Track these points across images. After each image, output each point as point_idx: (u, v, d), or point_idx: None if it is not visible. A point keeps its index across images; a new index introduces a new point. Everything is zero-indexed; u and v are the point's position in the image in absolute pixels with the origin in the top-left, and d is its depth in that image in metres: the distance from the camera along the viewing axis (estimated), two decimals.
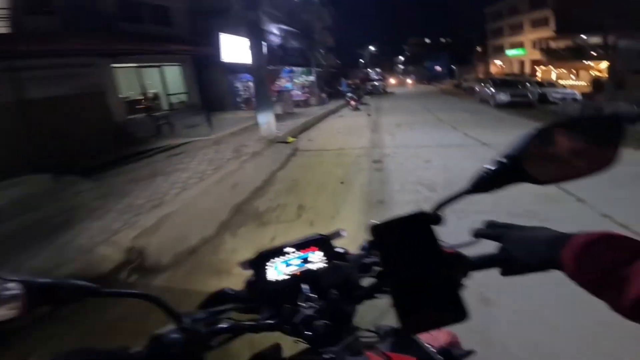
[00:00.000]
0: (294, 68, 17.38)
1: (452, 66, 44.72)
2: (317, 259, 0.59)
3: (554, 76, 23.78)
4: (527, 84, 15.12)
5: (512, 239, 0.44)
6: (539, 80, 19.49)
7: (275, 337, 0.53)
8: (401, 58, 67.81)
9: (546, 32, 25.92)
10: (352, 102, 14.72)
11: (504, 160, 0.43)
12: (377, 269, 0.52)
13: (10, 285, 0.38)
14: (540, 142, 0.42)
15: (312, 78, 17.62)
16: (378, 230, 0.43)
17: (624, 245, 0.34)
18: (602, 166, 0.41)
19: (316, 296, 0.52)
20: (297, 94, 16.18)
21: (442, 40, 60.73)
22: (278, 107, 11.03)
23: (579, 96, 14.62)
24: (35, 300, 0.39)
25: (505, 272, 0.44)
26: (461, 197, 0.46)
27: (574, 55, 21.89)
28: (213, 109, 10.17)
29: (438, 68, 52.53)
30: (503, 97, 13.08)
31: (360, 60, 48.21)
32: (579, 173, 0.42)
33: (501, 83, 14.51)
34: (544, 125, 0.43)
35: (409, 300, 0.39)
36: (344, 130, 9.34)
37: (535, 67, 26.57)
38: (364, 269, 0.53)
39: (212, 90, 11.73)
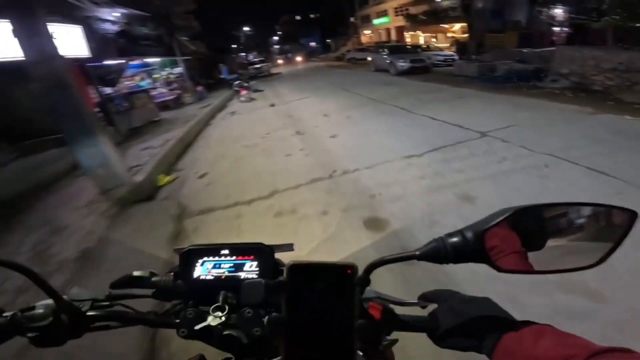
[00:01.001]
0: (150, 60, 12.69)
1: (327, 40, 45.40)
2: (249, 269, 0.55)
3: (422, 40, 25.53)
4: (418, 49, 15.00)
5: (448, 309, 0.43)
6: (416, 45, 20.28)
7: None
8: (275, 38, 66.37)
9: None
10: (243, 92, 11.46)
11: (466, 235, 0.39)
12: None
13: None
14: (513, 224, 0.37)
15: (179, 70, 13.34)
16: (294, 270, 0.40)
17: (565, 343, 0.33)
18: (586, 266, 0.36)
19: (226, 308, 0.49)
20: (162, 92, 11.85)
21: (312, 16, 61.25)
22: (126, 119, 7.08)
23: (456, 57, 15.37)
24: None
25: (432, 340, 0.43)
26: (404, 261, 0.42)
27: (433, 19, 23.60)
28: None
29: (313, 44, 53.62)
30: (404, 64, 12.37)
31: (234, 45, 44.14)
32: (550, 269, 0.37)
33: (396, 50, 13.83)
34: (523, 206, 0.38)
35: (298, 345, 0.39)
36: (251, 137, 6.11)
37: (404, 33, 28.15)
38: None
39: None
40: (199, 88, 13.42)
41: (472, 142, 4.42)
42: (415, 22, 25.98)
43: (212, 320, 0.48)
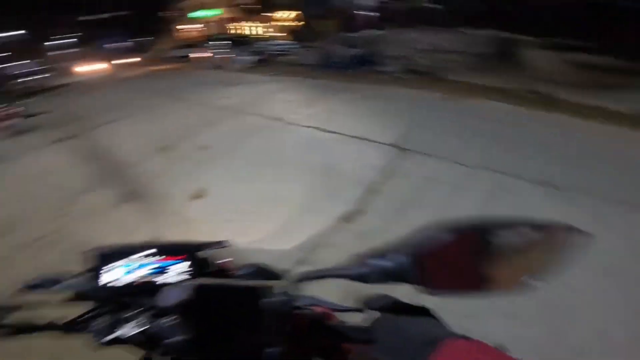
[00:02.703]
0: None
1: (143, 38, 37.98)
2: (178, 271, 0.51)
3: (247, 31, 24.42)
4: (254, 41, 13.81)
5: (389, 323, 0.42)
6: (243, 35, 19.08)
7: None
8: (73, 40, 51.20)
9: None
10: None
11: (396, 256, 0.36)
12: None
13: None
14: (443, 245, 0.35)
15: None
16: (203, 292, 0.37)
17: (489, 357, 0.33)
18: (506, 289, 0.35)
19: (145, 314, 0.47)
20: None
21: (119, 13, 50.02)
22: None
23: (296, 46, 15.10)
24: None
25: (369, 352, 0.42)
26: (326, 279, 0.39)
27: (265, 9, 23.00)
28: None
29: (122, 44, 44.17)
30: (249, 57, 10.91)
31: None
32: (476, 289, 0.35)
33: (237, 44, 12.18)
34: (459, 225, 0.34)
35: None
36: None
37: (229, 25, 26.39)
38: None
39: None
40: None
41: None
42: (248, 13, 24.59)
43: (126, 330, 0.46)
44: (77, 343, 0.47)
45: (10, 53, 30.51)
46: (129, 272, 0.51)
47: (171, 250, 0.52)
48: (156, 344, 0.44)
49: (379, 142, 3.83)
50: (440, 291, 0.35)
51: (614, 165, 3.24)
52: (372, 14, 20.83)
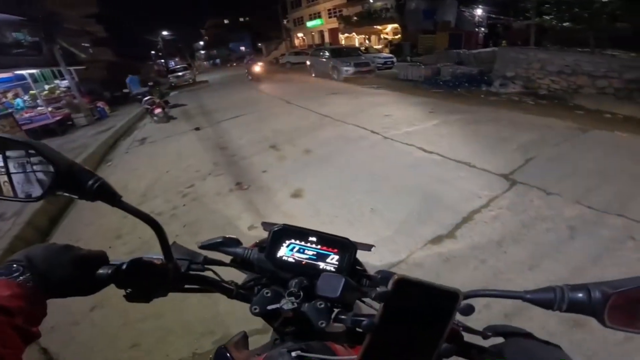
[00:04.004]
0: (25, 72, 9.54)
1: (259, 44, 43.24)
2: (329, 262, 0.56)
3: (357, 43, 25.18)
4: (359, 52, 14.17)
5: (516, 348, 0.43)
6: (353, 47, 19.64)
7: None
8: (201, 43, 61.92)
9: (339, 0, 27.01)
10: (157, 110, 8.48)
11: (593, 294, 0.40)
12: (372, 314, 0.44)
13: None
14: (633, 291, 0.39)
15: (66, 83, 10.38)
16: (401, 285, 0.39)
17: None
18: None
19: (301, 294, 0.50)
20: (41, 114, 8.90)
21: (242, 19, 58.25)
22: None
23: (395, 59, 14.99)
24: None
25: None
26: (508, 298, 0.45)
27: (367, 21, 23.41)
28: None
29: (242, 48, 51.54)
30: (349, 67, 11.29)
31: (153, 51, 39.43)
32: None
33: (338, 53, 12.72)
34: None
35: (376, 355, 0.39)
36: (165, 192, 3.99)
37: (340, 35, 27.64)
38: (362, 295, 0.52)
39: None
40: (99, 105, 10.62)
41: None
42: (348, 23, 25.62)
43: (285, 304, 0.49)
44: (233, 307, 0.54)
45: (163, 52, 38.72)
46: (298, 252, 0.56)
47: (329, 242, 0.56)
48: (307, 323, 0.48)
49: (486, 170, 3.51)
50: (615, 326, 0.39)
51: None
52: (483, 30, 19.12)
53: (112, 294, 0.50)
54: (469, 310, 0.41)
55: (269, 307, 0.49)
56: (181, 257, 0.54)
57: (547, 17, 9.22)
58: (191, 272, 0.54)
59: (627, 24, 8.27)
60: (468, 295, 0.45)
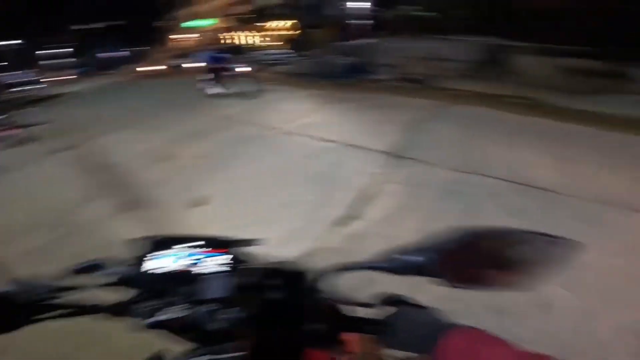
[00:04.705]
0: None
1: (137, 49, 38.21)
2: (217, 263, 0.52)
3: (243, 40, 24.65)
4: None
5: (398, 316, 0.45)
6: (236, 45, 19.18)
7: None
8: (67, 50, 51.54)
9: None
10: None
11: (425, 253, 0.42)
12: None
13: None
14: (463, 243, 0.41)
15: None
16: (258, 274, 0.39)
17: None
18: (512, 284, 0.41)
19: (190, 300, 0.48)
20: None
21: (115, 23, 50.33)
22: None
23: (292, 55, 15.27)
24: None
25: (382, 342, 0.45)
26: (361, 271, 0.44)
27: (261, 18, 23.16)
28: None
29: (119, 54, 44.68)
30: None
31: None
32: (491, 283, 0.42)
33: (231, 53, 12.08)
34: (475, 229, 0.42)
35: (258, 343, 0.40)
36: None
37: (225, 34, 26.61)
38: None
39: None
40: None
41: None
42: (242, 22, 24.86)
43: (170, 313, 0.48)
44: (119, 326, 0.50)
45: (5, 63, 30.63)
46: (174, 261, 0.54)
47: (216, 243, 0.55)
48: (196, 329, 0.47)
49: (374, 150, 3.88)
50: (458, 285, 0.41)
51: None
52: (365, 22, 21.10)
53: None
54: (331, 285, 0.41)
55: (153, 320, 0.48)
56: (39, 284, 0.51)
57: (413, 8, 10.63)
58: (52, 302, 0.50)
59: (469, 13, 10.17)
60: (340, 270, 0.46)
